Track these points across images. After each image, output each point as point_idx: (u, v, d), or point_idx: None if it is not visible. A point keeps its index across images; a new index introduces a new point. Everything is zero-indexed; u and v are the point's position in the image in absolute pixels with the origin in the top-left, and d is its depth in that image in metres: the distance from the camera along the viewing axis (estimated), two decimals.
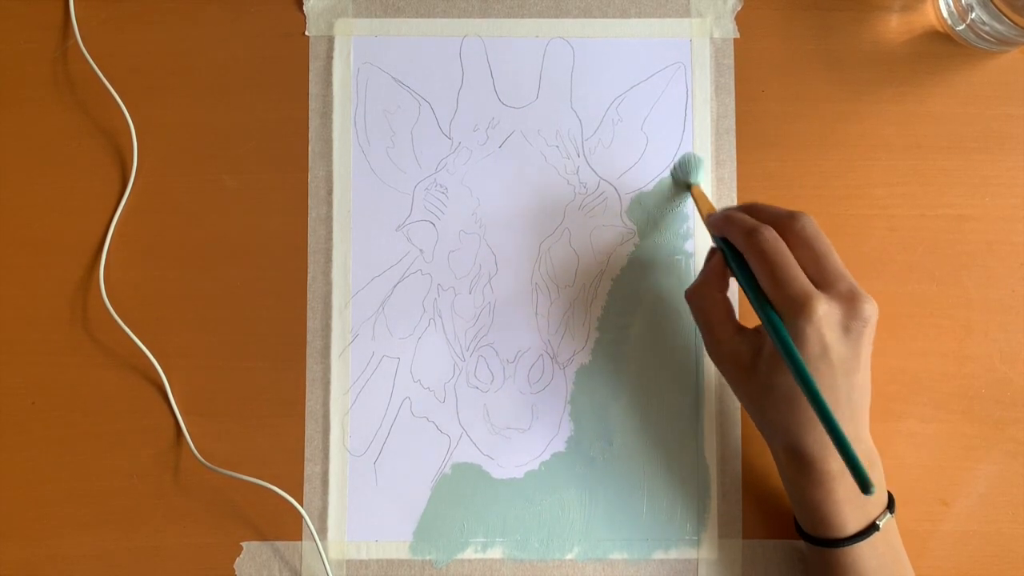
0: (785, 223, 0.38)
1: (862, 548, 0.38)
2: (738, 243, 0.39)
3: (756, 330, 0.40)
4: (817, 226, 0.38)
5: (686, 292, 0.42)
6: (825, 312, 0.36)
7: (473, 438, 0.46)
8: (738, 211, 0.40)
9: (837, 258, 0.38)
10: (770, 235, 0.38)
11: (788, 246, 0.38)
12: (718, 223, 0.41)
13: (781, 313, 0.37)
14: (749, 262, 0.38)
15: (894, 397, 0.46)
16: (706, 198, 0.45)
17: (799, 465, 0.38)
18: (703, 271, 0.42)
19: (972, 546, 0.46)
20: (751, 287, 0.38)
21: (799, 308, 0.36)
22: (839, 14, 0.48)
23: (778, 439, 0.39)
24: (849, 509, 0.38)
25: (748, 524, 0.46)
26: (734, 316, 0.41)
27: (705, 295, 0.41)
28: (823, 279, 0.37)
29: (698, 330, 0.43)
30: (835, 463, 0.37)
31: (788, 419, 0.38)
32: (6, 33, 0.48)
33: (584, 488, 0.46)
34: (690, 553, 0.46)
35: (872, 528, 0.38)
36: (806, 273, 0.37)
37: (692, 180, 0.46)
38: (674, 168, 0.47)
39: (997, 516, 0.46)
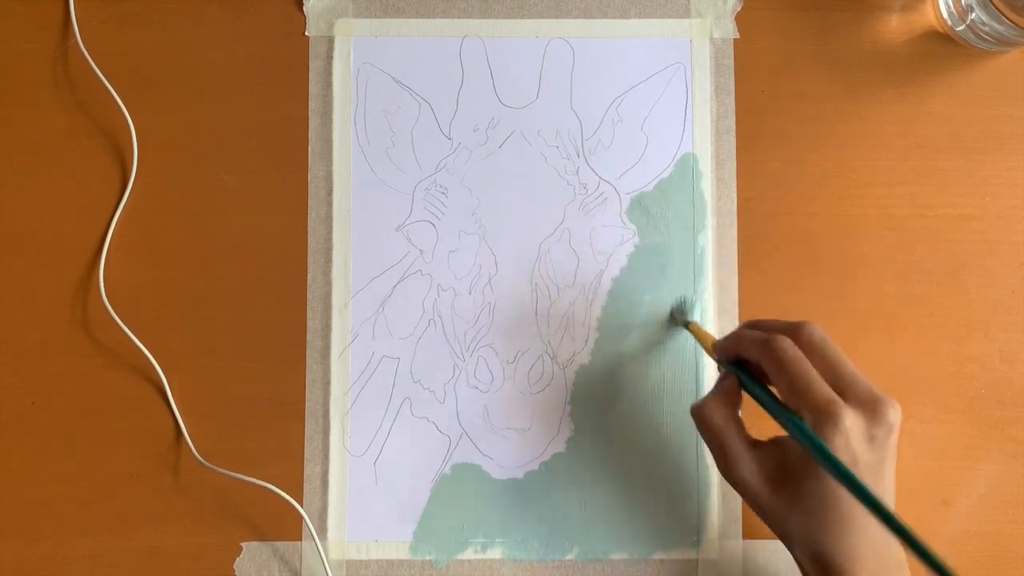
0: (793, 334, 0.38)
1: None
2: (754, 355, 0.38)
3: (772, 442, 0.39)
4: (823, 332, 0.38)
5: (693, 409, 0.40)
6: (852, 422, 0.35)
7: (473, 438, 0.46)
8: (745, 329, 0.40)
9: (850, 363, 0.37)
10: (787, 344, 0.37)
11: None
12: (729, 346, 0.40)
13: (806, 422, 0.36)
14: (768, 372, 0.38)
15: (894, 397, 0.46)
16: (705, 332, 0.44)
17: (825, 574, 0.37)
18: (714, 390, 0.41)
19: (972, 546, 0.46)
20: (771, 400, 0.37)
21: (826, 418, 0.35)
22: (839, 14, 0.48)
23: (804, 548, 0.38)
24: None
25: (748, 524, 0.46)
26: (746, 432, 0.40)
27: (715, 411, 0.39)
28: (841, 386, 0.36)
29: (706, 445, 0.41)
30: (862, 571, 0.36)
31: (816, 526, 0.36)
32: (6, 33, 0.48)
33: (584, 488, 0.46)
34: (690, 553, 0.46)
35: None
36: (825, 380, 0.37)
37: (689, 319, 0.46)
38: (672, 309, 0.47)
39: (997, 516, 0.46)
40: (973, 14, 0.46)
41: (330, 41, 0.48)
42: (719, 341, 0.41)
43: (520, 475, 0.46)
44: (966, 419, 0.46)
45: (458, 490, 0.46)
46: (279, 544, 0.46)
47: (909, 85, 0.48)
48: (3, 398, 0.47)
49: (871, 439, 0.36)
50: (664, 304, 0.47)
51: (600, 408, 0.46)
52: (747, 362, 0.40)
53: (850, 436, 0.35)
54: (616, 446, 0.46)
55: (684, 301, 0.47)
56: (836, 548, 0.36)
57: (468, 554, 0.46)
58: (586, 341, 0.47)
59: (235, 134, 0.48)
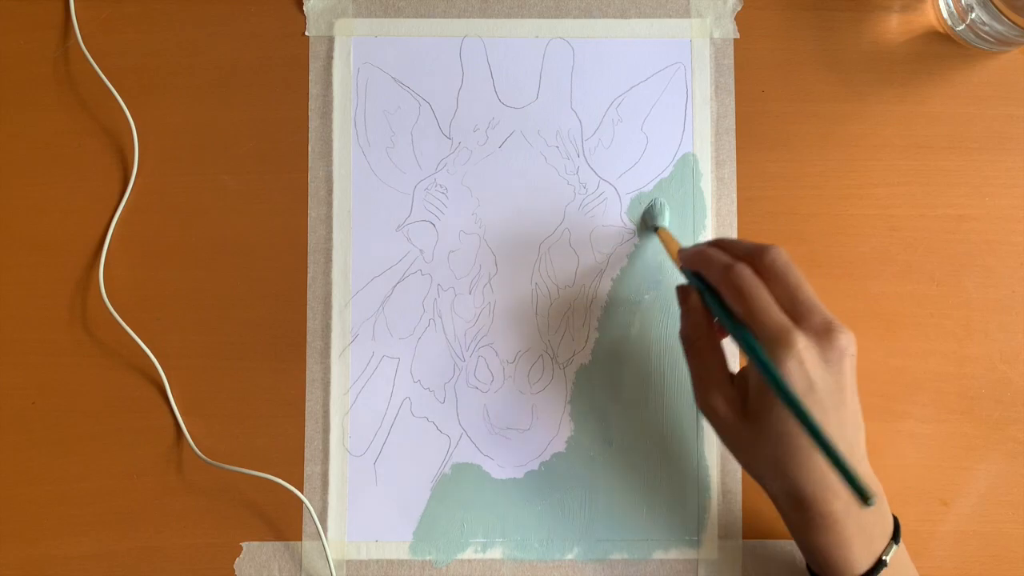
0: (756, 257, 0.38)
1: None
2: (715, 279, 0.38)
3: (741, 374, 0.39)
4: (788, 258, 0.38)
5: (680, 333, 0.41)
6: (804, 346, 0.35)
7: (473, 438, 0.46)
8: (709, 247, 0.40)
9: (810, 290, 0.37)
10: (744, 271, 0.37)
11: (762, 280, 0.37)
12: (691, 258, 0.40)
13: (762, 347, 0.36)
14: (727, 298, 0.38)
15: (894, 397, 0.46)
16: (672, 238, 0.44)
17: (801, 509, 0.37)
18: (686, 312, 0.41)
19: (972, 546, 0.46)
20: (730, 321, 0.38)
21: (778, 342, 0.35)
22: (839, 14, 0.48)
23: (776, 484, 0.38)
24: (857, 548, 0.37)
25: (748, 524, 0.46)
26: (727, 365, 0.40)
27: (701, 337, 0.40)
28: (797, 312, 0.37)
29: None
30: (837, 503, 0.37)
31: (784, 461, 0.37)
32: (6, 33, 0.48)
33: (584, 488, 0.46)
34: (690, 553, 0.46)
35: (880, 565, 0.38)
36: (781, 307, 0.37)
37: (659, 224, 0.46)
38: (643, 213, 0.47)
39: (997, 516, 0.46)
40: (973, 14, 0.46)
41: (330, 41, 0.48)
42: (685, 250, 0.41)
43: (520, 475, 0.46)
44: (966, 419, 0.46)
45: (458, 490, 0.46)
46: (279, 544, 0.46)
47: (909, 85, 0.48)
48: (3, 398, 0.47)
49: (826, 363, 0.36)
50: (664, 304, 0.47)
51: (600, 408, 0.46)
52: None
53: (804, 360, 0.35)
54: (616, 446, 0.46)
55: (655, 205, 0.47)
56: (806, 479, 0.36)
57: (468, 554, 0.46)
58: (586, 341, 0.47)
59: (235, 134, 0.48)
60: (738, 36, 0.48)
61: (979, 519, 0.46)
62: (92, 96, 0.48)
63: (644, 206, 0.47)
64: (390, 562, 0.46)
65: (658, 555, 0.46)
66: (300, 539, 0.46)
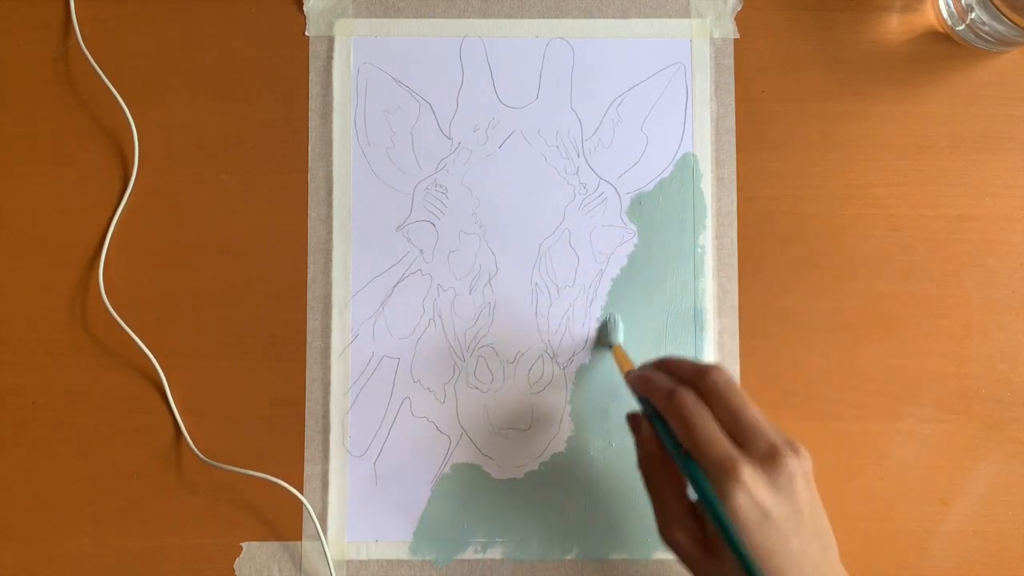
0: (698, 378, 0.37)
1: None
2: (659, 407, 0.38)
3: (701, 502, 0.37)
4: (730, 378, 0.37)
5: (639, 462, 0.40)
6: (750, 475, 0.34)
7: (473, 438, 0.46)
8: (655, 369, 0.40)
9: (754, 411, 0.36)
10: (687, 397, 0.37)
11: (706, 401, 0.37)
12: (637, 384, 0.40)
13: (708, 477, 0.35)
14: (671, 424, 0.37)
15: (894, 397, 0.46)
16: (626, 357, 0.44)
17: None
18: (638, 442, 0.40)
19: (972, 546, 0.46)
20: (677, 451, 0.37)
21: (724, 473, 0.34)
22: (839, 14, 0.48)
23: None
24: None
25: None
26: (686, 494, 0.38)
27: (656, 469, 0.39)
28: (742, 437, 0.36)
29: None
30: None
31: None
32: (6, 33, 0.48)
33: (584, 488, 0.46)
34: None
35: None
36: (726, 429, 0.36)
37: (612, 341, 0.46)
38: (598, 329, 0.47)
39: (997, 516, 0.46)
40: (973, 14, 0.46)
41: (330, 41, 0.48)
42: (631, 373, 0.41)
43: (520, 475, 0.46)
44: (966, 419, 0.46)
45: (458, 490, 0.46)
46: (279, 544, 0.46)
47: (909, 85, 0.48)
48: (3, 398, 0.47)
49: (777, 488, 0.35)
50: (664, 305, 0.47)
51: (600, 408, 0.46)
52: None
53: (751, 489, 0.34)
54: (616, 446, 0.46)
55: (609, 319, 0.46)
56: None
57: (468, 554, 0.46)
58: (586, 341, 0.47)
59: (235, 134, 0.48)
60: (738, 36, 0.48)
61: (979, 519, 0.46)
62: (92, 96, 0.48)
63: (599, 322, 0.46)
64: (390, 562, 0.46)
65: (658, 555, 0.46)
66: (300, 539, 0.46)
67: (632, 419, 0.41)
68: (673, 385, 0.38)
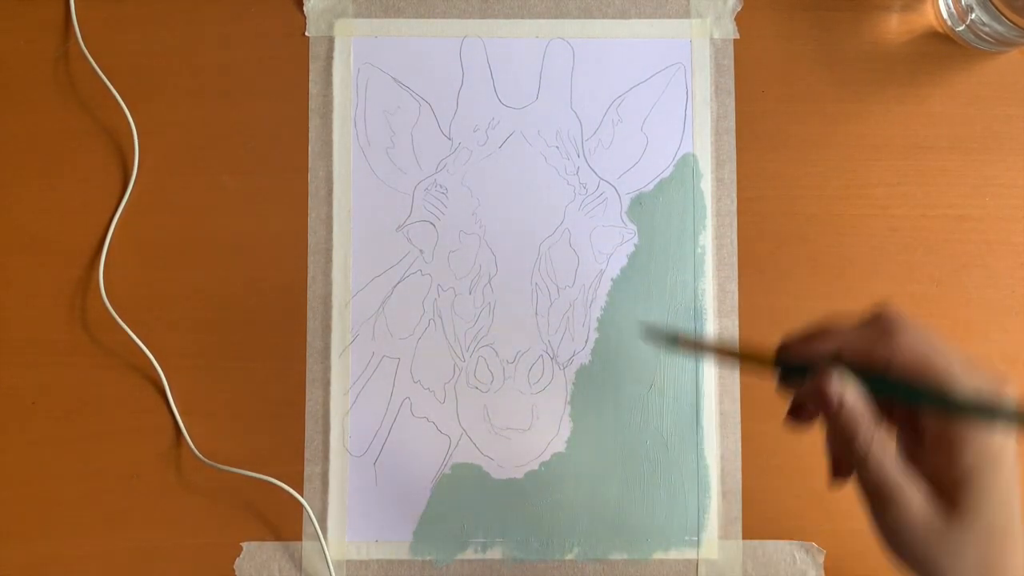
0: (874, 323, 0.33)
1: None
2: (860, 365, 0.32)
3: (914, 462, 0.31)
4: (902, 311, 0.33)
5: (858, 474, 0.31)
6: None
7: (473, 438, 0.46)
8: (806, 343, 0.33)
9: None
10: (909, 326, 0.32)
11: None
12: (817, 345, 0.33)
13: (975, 402, 0.30)
14: (894, 368, 0.32)
15: None
16: (733, 345, 0.38)
17: None
18: (839, 427, 0.31)
19: None
20: (913, 389, 0.31)
21: (999, 383, 0.30)
22: (839, 14, 0.48)
23: None
24: None
25: (748, 524, 0.46)
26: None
27: (879, 463, 0.31)
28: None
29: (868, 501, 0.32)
30: None
31: (993, 563, 0.30)
32: (6, 33, 0.48)
33: (584, 488, 0.46)
34: (690, 553, 0.46)
35: None
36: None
37: (673, 335, 0.38)
38: (677, 336, 0.38)
39: None
40: (973, 14, 0.46)
41: (330, 41, 0.48)
42: (789, 340, 0.34)
43: (520, 475, 0.46)
44: None
45: (458, 490, 0.46)
46: (279, 544, 0.46)
47: (909, 85, 0.48)
48: (3, 398, 0.47)
49: None
50: (664, 304, 0.47)
51: (600, 408, 0.46)
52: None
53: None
54: (616, 446, 0.46)
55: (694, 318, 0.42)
56: None
57: (468, 554, 0.46)
58: (586, 341, 0.47)
59: (235, 134, 0.48)
60: (738, 36, 0.48)
61: None
62: (92, 96, 0.48)
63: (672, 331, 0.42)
64: (390, 562, 0.46)
65: (658, 555, 0.46)
66: (300, 539, 0.46)
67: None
68: (864, 335, 0.33)
